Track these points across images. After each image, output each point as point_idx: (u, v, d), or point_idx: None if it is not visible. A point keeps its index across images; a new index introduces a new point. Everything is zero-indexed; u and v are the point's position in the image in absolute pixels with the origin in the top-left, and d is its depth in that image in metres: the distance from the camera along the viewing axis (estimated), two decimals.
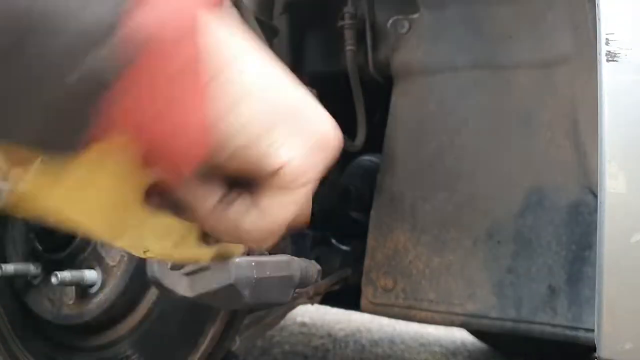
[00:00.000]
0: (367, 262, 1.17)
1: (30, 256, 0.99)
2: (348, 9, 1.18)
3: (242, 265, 0.79)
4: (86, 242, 0.93)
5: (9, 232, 1.04)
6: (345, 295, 1.35)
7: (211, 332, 0.81)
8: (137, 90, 0.28)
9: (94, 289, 0.91)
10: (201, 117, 0.30)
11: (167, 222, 0.35)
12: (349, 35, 1.18)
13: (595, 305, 0.70)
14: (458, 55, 1.11)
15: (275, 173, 0.33)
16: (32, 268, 0.98)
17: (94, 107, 0.27)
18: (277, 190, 0.34)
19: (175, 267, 0.73)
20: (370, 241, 1.17)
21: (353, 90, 1.20)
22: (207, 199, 0.34)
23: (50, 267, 0.94)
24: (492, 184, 1.08)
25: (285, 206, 0.34)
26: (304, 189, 0.35)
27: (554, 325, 0.99)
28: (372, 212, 1.18)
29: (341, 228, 1.55)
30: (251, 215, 0.34)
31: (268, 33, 1.11)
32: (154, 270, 0.79)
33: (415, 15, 1.15)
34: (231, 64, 0.32)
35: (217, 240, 0.37)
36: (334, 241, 1.49)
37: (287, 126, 0.33)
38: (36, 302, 0.98)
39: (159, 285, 0.81)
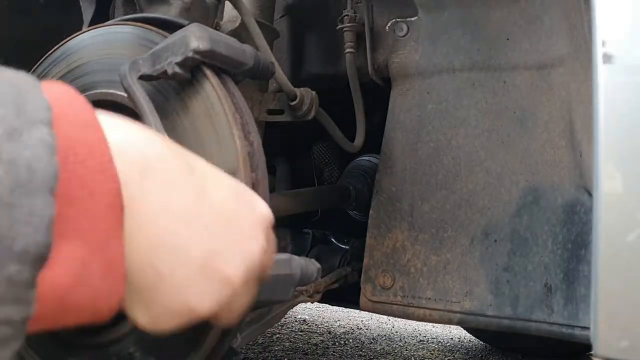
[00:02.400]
0: (366, 260, 1.18)
1: None
2: (347, 12, 1.19)
3: None
4: None
5: None
6: (345, 293, 1.37)
7: (213, 330, 0.81)
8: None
9: None
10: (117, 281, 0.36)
11: None
12: (348, 38, 1.18)
13: (591, 303, 0.70)
14: (455, 57, 1.11)
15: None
16: None
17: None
18: None
19: None
20: (369, 240, 1.18)
21: (352, 92, 1.20)
22: None
23: None
24: (489, 184, 1.09)
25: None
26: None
27: (550, 323, 0.99)
28: (371, 212, 1.19)
29: (341, 227, 1.56)
30: None
31: (268, 35, 1.12)
32: None
33: (414, 18, 1.16)
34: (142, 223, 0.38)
35: None
36: (333, 240, 1.50)
37: (199, 280, 0.40)
38: None
39: None
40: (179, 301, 0.40)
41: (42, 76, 0.91)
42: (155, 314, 0.40)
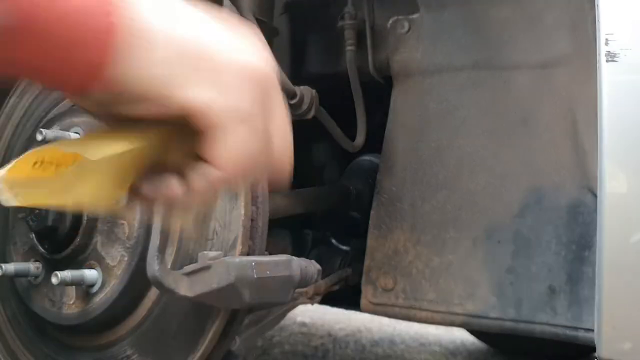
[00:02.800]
0: (367, 262, 1.17)
1: (31, 256, 0.99)
2: (348, 9, 1.18)
3: (242, 265, 0.78)
4: (86, 242, 0.93)
5: (9, 232, 1.04)
6: (345, 295, 1.36)
7: (211, 332, 0.80)
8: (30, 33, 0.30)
9: (94, 289, 0.91)
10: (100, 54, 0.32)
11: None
12: (349, 36, 1.18)
13: (594, 305, 0.70)
14: (457, 55, 1.11)
15: (202, 117, 0.36)
16: (32, 268, 0.98)
17: None
18: (218, 136, 0.37)
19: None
20: (370, 241, 1.17)
21: (353, 90, 1.20)
22: (173, 191, 0.38)
23: (51, 267, 0.94)
24: (491, 184, 1.08)
25: (234, 146, 0.37)
26: (244, 126, 0.37)
27: (553, 325, 0.99)
28: (372, 212, 1.18)
29: (341, 228, 1.55)
30: (212, 174, 0.38)
31: (268, 33, 1.11)
32: (154, 270, 0.79)
33: (415, 16, 1.15)
34: (134, 8, 0.33)
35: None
36: (333, 241, 1.49)
37: (199, 70, 0.36)
38: (37, 302, 0.98)
39: (160, 285, 0.81)
40: (230, 59, 0.38)
41: None
42: (221, 82, 0.37)
